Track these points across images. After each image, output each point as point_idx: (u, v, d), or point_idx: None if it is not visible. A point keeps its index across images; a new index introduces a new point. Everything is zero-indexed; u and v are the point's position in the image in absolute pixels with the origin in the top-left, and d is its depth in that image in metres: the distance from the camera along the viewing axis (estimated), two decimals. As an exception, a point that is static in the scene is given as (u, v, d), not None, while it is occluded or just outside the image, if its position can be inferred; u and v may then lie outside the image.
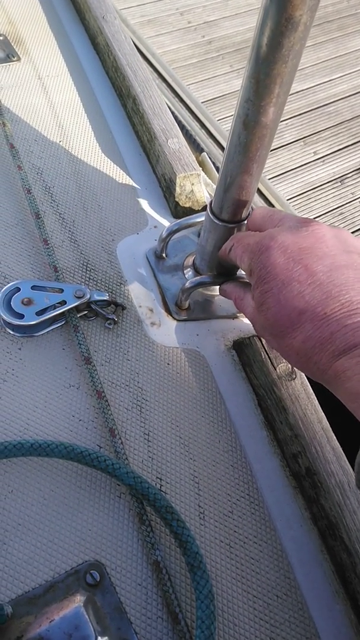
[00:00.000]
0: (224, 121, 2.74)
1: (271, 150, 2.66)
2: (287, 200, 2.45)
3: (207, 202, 0.75)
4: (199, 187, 0.74)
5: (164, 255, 0.71)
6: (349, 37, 3.28)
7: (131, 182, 0.79)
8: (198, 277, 0.64)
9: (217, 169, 0.93)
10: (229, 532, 0.54)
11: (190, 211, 0.76)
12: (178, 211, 0.76)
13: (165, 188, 0.77)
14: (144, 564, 0.51)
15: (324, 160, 2.68)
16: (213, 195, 0.59)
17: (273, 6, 0.41)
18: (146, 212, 0.76)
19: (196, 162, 0.75)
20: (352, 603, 0.53)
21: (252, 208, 0.60)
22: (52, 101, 0.86)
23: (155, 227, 0.75)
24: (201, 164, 0.92)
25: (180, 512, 0.54)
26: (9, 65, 0.89)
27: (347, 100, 2.96)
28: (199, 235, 0.73)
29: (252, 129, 0.49)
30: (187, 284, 0.64)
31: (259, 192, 2.30)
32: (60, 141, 0.81)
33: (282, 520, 0.56)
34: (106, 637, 0.46)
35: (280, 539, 0.55)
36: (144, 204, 0.77)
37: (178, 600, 0.49)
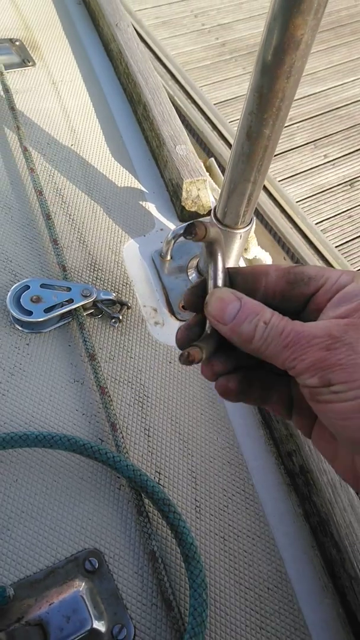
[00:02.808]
0: (235, 123, 2.75)
1: (281, 153, 2.67)
2: (297, 202, 2.46)
3: (212, 207, 0.78)
4: (204, 193, 0.77)
5: (169, 257, 0.73)
6: (362, 41, 3.28)
7: (139, 186, 0.81)
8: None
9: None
10: (223, 526, 0.57)
11: (196, 215, 0.78)
12: (184, 215, 0.78)
13: (172, 192, 0.80)
14: (140, 553, 0.53)
15: (334, 164, 2.68)
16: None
17: (276, 25, 0.43)
18: (153, 215, 0.78)
19: (203, 168, 0.78)
20: (340, 597, 0.55)
21: (254, 216, 0.62)
22: (65, 105, 0.88)
23: (161, 229, 0.77)
24: (208, 168, 0.94)
25: (177, 505, 0.56)
26: (24, 70, 0.92)
27: (359, 104, 2.96)
28: (203, 239, 0.76)
29: (255, 139, 0.51)
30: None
31: (269, 194, 2.32)
32: (71, 145, 0.83)
33: (276, 516, 0.58)
34: (103, 621, 0.49)
35: (273, 533, 0.57)
36: (152, 207, 0.79)
37: (172, 588, 0.51)
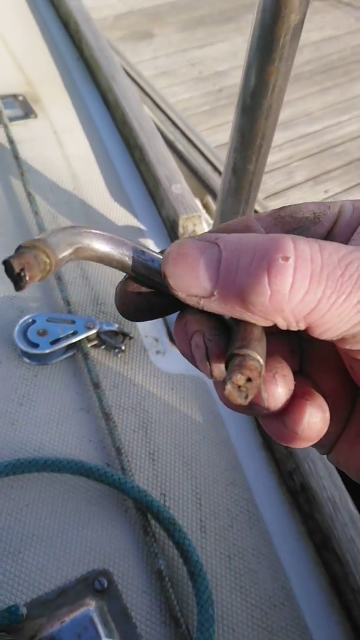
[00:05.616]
0: (235, 164, 2.84)
1: (282, 191, 2.74)
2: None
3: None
4: (200, 228, 0.81)
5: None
6: (354, 81, 3.41)
7: (138, 224, 0.86)
8: None
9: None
10: (228, 545, 0.58)
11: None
12: (182, 249, 0.82)
13: (169, 229, 0.84)
14: (148, 572, 0.55)
15: (335, 198, 2.75)
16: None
17: (252, 72, 0.48)
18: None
19: (198, 205, 0.82)
20: (346, 613, 0.56)
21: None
22: (65, 153, 0.94)
23: (160, 264, 0.81)
24: (205, 205, 0.99)
25: (182, 525, 0.58)
26: (27, 121, 0.98)
27: (355, 140, 3.05)
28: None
29: (240, 175, 0.55)
30: None
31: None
32: (73, 189, 0.89)
33: (279, 535, 0.60)
34: (113, 639, 0.50)
35: (277, 552, 0.59)
36: (150, 243, 0.83)
37: (179, 606, 0.53)
